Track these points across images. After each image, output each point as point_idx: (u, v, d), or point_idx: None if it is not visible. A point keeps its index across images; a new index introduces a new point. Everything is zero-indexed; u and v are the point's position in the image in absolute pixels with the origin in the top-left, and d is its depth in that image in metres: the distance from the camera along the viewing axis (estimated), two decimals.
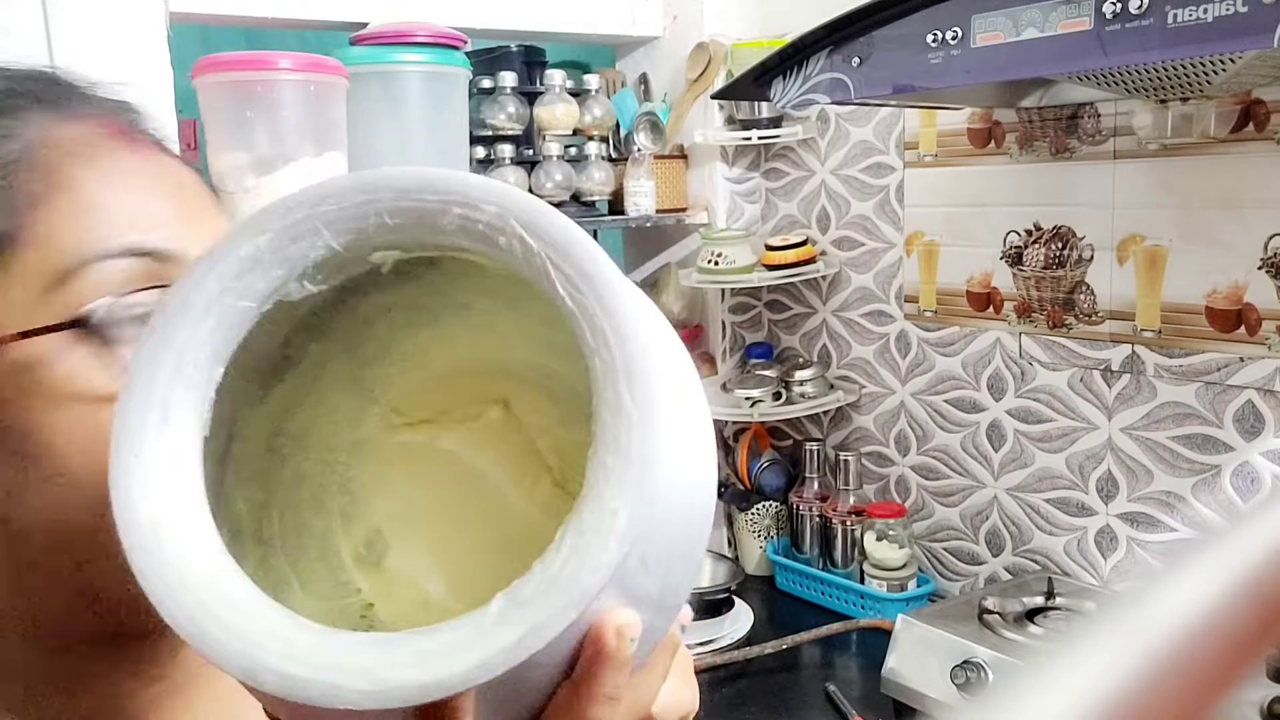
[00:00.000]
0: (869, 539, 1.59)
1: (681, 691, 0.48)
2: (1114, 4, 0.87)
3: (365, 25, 1.54)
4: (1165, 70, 1.08)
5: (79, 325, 0.42)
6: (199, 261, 0.36)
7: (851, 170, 1.71)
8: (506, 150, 1.65)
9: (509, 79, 1.66)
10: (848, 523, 1.63)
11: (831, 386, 1.76)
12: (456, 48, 1.56)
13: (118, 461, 0.34)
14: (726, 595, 1.63)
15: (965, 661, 1.24)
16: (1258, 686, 1.08)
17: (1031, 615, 1.34)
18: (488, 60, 1.73)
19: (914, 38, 1.02)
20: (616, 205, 1.80)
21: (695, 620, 1.57)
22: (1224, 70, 1.05)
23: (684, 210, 1.86)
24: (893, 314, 1.68)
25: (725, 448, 1.87)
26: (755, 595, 1.71)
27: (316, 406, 0.44)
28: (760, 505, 1.79)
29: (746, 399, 1.69)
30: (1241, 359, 1.26)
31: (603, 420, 0.32)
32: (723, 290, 1.83)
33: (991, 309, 1.54)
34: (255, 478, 0.43)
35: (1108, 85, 1.18)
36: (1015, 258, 1.50)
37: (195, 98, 1.46)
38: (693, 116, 1.81)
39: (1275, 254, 1.23)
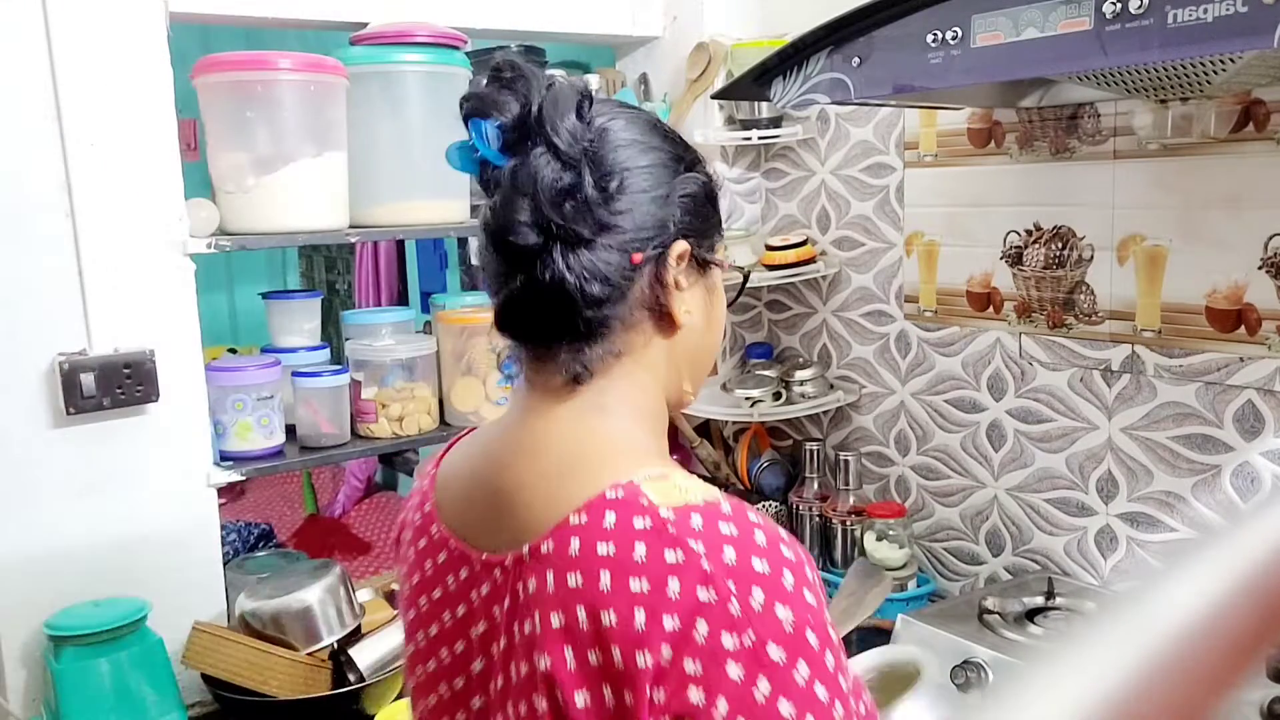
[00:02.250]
0: (869, 539, 1.59)
1: None
2: (1114, 4, 0.87)
3: (365, 25, 1.54)
4: (1165, 70, 1.08)
5: None
6: None
7: (851, 170, 1.71)
8: None
9: None
10: (848, 523, 1.63)
11: (831, 386, 1.76)
12: (456, 48, 1.56)
13: None
14: None
15: (965, 661, 1.24)
16: (1258, 686, 1.08)
17: (1031, 615, 1.34)
18: (488, 60, 1.73)
19: (914, 38, 1.02)
20: None
21: None
22: (1224, 70, 1.05)
23: None
24: (893, 314, 1.68)
25: (725, 448, 1.87)
26: None
27: None
28: (760, 505, 1.79)
29: (746, 399, 1.69)
30: (1241, 359, 1.26)
31: None
32: None
33: (991, 309, 1.54)
34: None
35: (1108, 85, 1.18)
36: (1015, 258, 1.50)
37: (195, 98, 1.46)
38: (693, 116, 1.81)
39: (1275, 254, 1.23)
